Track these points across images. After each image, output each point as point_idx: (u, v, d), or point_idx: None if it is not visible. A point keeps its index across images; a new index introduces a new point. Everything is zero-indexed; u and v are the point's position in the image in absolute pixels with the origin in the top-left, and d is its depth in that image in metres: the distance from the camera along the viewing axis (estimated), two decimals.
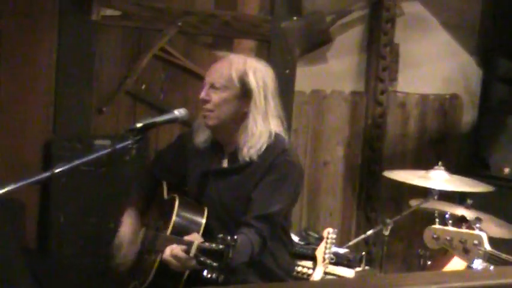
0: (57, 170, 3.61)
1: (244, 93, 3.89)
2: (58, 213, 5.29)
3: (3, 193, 3.44)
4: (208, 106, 3.91)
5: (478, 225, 3.83)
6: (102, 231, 5.24)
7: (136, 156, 4.22)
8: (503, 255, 3.63)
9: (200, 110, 4.02)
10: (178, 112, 3.91)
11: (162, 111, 4.95)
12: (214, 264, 3.43)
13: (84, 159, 3.66)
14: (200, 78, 5.39)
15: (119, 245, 4.13)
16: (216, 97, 3.91)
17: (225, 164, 4.01)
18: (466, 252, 3.68)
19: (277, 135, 3.93)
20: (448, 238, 3.74)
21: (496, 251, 3.63)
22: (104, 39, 5.48)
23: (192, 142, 4.09)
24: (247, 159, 3.86)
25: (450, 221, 3.89)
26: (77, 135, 5.37)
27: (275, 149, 3.90)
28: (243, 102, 3.90)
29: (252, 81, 3.89)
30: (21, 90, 5.28)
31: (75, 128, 5.42)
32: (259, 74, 3.94)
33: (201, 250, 3.49)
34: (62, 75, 5.36)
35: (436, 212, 4.38)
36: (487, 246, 3.61)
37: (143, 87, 5.61)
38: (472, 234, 3.66)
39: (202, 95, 3.95)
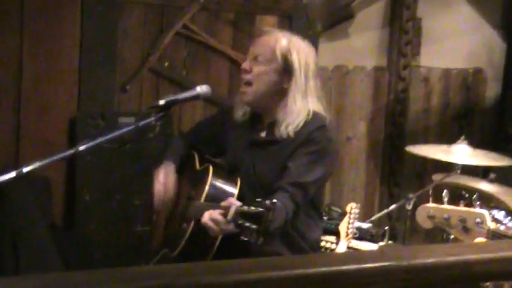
0: (81, 148, 3.69)
1: (286, 70, 3.95)
2: (83, 190, 5.33)
3: (30, 170, 3.55)
4: (248, 77, 3.97)
5: (478, 202, 3.81)
6: (127, 208, 5.34)
7: (159, 132, 4.26)
8: (510, 232, 3.55)
9: (239, 86, 4.08)
10: (201, 89, 3.94)
11: (185, 88, 4.99)
12: (253, 226, 3.49)
13: (108, 137, 3.70)
14: (223, 54, 5.65)
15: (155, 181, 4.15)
16: (257, 69, 3.97)
17: (263, 134, 4.07)
18: (466, 232, 3.56)
19: (315, 113, 3.98)
20: (445, 217, 3.61)
21: (500, 229, 3.54)
22: (127, 16, 5.49)
23: (232, 115, 4.15)
24: (284, 135, 3.92)
25: (478, 202, 3.91)
26: (100, 113, 5.39)
27: (313, 124, 3.94)
28: (283, 78, 3.95)
29: (295, 59, 3.94)
30: (46, 68, 5.29)
31: (99, 105, 5.46)
32: (302, 53, 4.00)
33: (239, 213, 3.54)
34: (85, 54, 5.37)
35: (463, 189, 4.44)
36: (490, 225, 3.51)
37: (166, 64, 5.64)
38: (473, 212, 3.55)
39: (244, 65, 4.02)
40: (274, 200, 3.52)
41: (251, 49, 4.08)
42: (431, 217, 3.68)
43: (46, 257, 4.89)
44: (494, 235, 3.52)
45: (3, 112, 5.21)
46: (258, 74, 3.97)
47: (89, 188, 5.36)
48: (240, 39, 5.70)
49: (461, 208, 3.61)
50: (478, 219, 3.51)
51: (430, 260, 1.61)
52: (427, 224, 3.74)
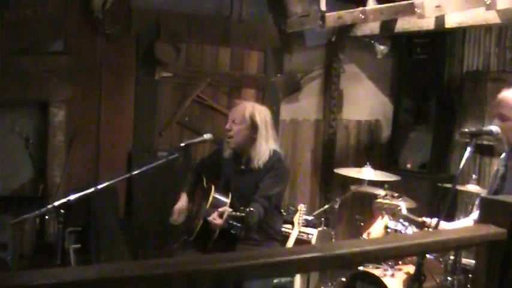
0: (134, 172, 3.88)
1: (253, 126, 4.00)
2: (137, 196, 5.32)
3: (106, 185, 3.70)
4: (230, 133, 4.03)
5: (400, 199, 4.10)
6: (164, 205, 5.20)
7: (182, 162, 4.32)
8: (412, 216, 3.77)
9: (225, 137, 4.11)
10: (206, 136, 4.10)
11: (198, 134, 5.05)
12: (239, 225, 3.68)
13: (150, 165, 3.84)
14: (222, 114, 5.53)
15: (175, 211, 4.16)
16: (235, 128, 4.02)
17: (243, 166, 4.08)
18: (394, 215, 3.91)
19: (274, 151, 4.04)
20: (385, 206, 4.00)
21: (409, 215, 3.80)
22: (162, 89, 5.48)
23: (221, 154, 4.19)
24: (256, 167, 3.98)
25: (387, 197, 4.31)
26: (146, 148, 5.40)
27: (273, 158, 4.00)
28: (252, 131, 4.00)
29: (258, 119, 4.01)
30: (114, 119, 5.30)
31: (146, 144, 5.42)
32: (262, 114, 4.06)
33: (230, 216, 3.70)
34: (138, 111, 5.39)
35: (370, 195, 4.60)
36: (404, 212, 3.81)
37: (186, 119, 5.61)
38: (396, 204, 3.89)
39: (227, 126, 4.07)
40: (252, 208, 3.67)
41: (230, 115, 4.13)
42: (379, 207, 4.12)
43: (116, 239, 4.96)
44: (406, 218, 3.89)
45: (90, 147, 5.19)
46: (236, 131, 4.02)
47: (140, 192, 5.34)
48: (233, 102, 5.53)
49: (392, 201, 4.09)
50: (399, 208, 3.86)
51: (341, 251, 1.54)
52: (377, 210, 4.21)
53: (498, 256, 1.62)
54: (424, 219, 3.60)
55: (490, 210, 1.62)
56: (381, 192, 4.89)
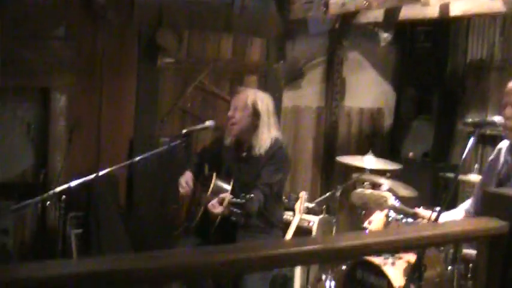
0: (135, 159, 3.86)
1: (255, 113, 4.00)
2: (138, 185, 5.31)
3: (107, 172, 3.69)
4: (233, 120, 4.03)
5: (384, 189, 4.00)
6: (165, 194, 5.25)
7: (184, 150, 4.34)
8: (401, 207, 3.69)
9: (227, 124, 4.10)
10: (208, 123, 4.10)
11: (200, 120, 4.99)
12: (239, 211, 3.67)
13: (152, 152, 3.85)
14: (224, 100, 5.52)
15: (181, 181, 4.11)
16: (237, 115, 4.03)
17: (244, 154, 4.09)
18: (378, 206, 3.82)
19: (276, 139, 4.04)
20: (366, 197, 3.86)
21: (396, 205, 3.70)
22: (164, 76, 5.46)
23: (223, 141, 4.19)
24: (257, 154, 3.99)
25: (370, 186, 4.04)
26: (148, 135, 5.38)
27: (275, 146, 4.01)
28: (254, 119, 4.01)
29: (260, 106, 4.01)
30: (115, 106, 5.29)
31: (147, 131, 5.42)
32: (264, 101, 4.07)
33: (230, 203, 3.70)
34: (139, 99, 5.36)
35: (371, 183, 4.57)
36: (393, 202, 3.70)
37: (189, 105, 5.60)
38: (381, 195, 3.80)
39: (229, 113, 4.07)
40: (252, 195, 3.66)
41: (232, 102, 4.11)
42: (359, 198, 3.91)
43: (116, 228, 4.95)
44: (393, 208, 3.74)
45: (91, 134, 5.17)
46: (238, 118, 4.02)
47: (142, 185, 5.33)
48: (235, 89, 5.46)
49: (375, 192, 3.85)
50: (384, 199, 3.71)
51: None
52: (357, 202, 3.97)
53: (499, 252, 1.61)
54: (417, 210, 3.56)
55: (491, 204, 1.61)
56: (383, 180, 4.88)
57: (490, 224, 1.60)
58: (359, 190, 3.99)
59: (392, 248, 1.85)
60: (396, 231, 2.13)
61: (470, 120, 3.14)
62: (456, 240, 1.95)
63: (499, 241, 1.61)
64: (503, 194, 1.67)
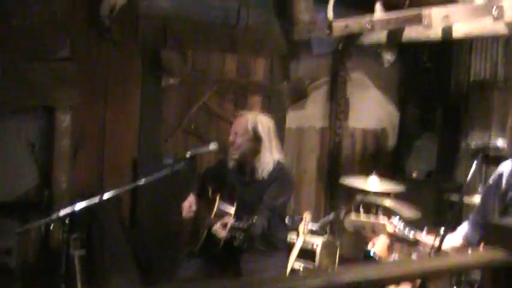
0: (140, 183, 3.86)
1: (256, 137, 3.99)
2: (142, 203, 5.28)
3: (113, 194, 3.70)
4: (234, 146, 4.02)
5: (382, 214, 3.82)
6: (168, 213, 5.20)
7: (187, 171, 4.35)
8: (402, 234, 3.44)
9: (229, 149, 4.09)
10: (212, 146, 4.08)
11: (203, 141, 5.04)
12: (241, 236, 3.67)
13: (156, 176, 3.84)
14: (228, 121, 5.41)
15: (185, 205, 4.12)
16: (238, 140, 4.01)
17: (247, 177, 4.09)
18: (374, 233, 3.53)
19: (278, 161, 4.03)
20: (361, 224, 3.55)
21: (398, 232, 3.44)
22: (168, 96, 5.45)
23: (226, 164, 4.18)
24: (260, 177, 3.98)
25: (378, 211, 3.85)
26: (152, 155, 5.36)
27: (277, 169, 4.00)
28: (255, 143, 4.00)
29: (261, 130, 4.00)
30: (119, 125, 5.26)
31: (151, 150, 5.39)
32: (265, 124, 4.05)
33: (233, 227, 3.70)
34: (143, 117, 5.34)
35: (374, 205, 4.50)
36: (389, 229, 3.45)
37: (192, 126, 5.58)
38: (379, 222, 3.49)
39: (230, 139, 4.05)
40: (254, 220, 3.66)
41: (232, 127, 4.10)
42: (353, 224, 3.57)
43: (120, 246, 4.96)
44: (392, 236, 3.52)
45: (95, 154, 5.15)
46: (239, 144, 4.00)
47: (145, 201, 5.29)
48: (237, 111, 5.39)
49: (371, 220, 3.53)
50: (380, 227, 3.50)
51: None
52: (351, 229, 3.68)
53: (504, 283, 1.58)
54: (418, 237, 3.44)
55: (495, 234, 1.60)
56: (387, 201, 4.87)
57: (493, 255, 1.59)
58: (353, 216, 3.62)
59: (395, 281, 1.82)
60: (399, 264, 2.08)
61: (473, 145, 3.12)
62: (460, 272, 1.92)
63: (503, 272, 1.60)
64: (508, 225, 1.67)
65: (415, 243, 3.46)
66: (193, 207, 4.11)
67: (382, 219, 3.50)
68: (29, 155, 4.86)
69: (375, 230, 3.52)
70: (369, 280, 1.41)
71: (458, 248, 3.29)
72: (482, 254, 1.68)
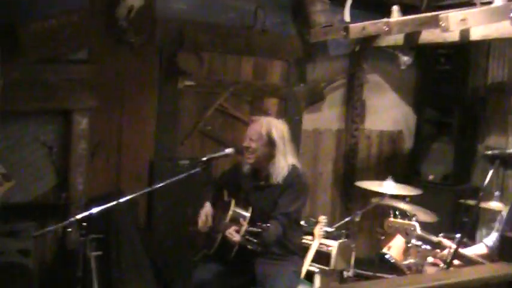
0: (155, 186, 3.87)
1: (271, 142, 4.00)
2: (157, 205, 5.30)
3: (130, 198, 3.72)
4: (249, 150, 4.04)
5: (414, 218, 3.98)
6: (183, 216, 5.22)
7: (203, 175, 4.34)
8: (428, 236, 3.67)
9: (244, 154, 4.10)
10: (228, 151, 4.06)
11: (220, 144, 5.12)
12: (255, 240, 3.69)
13: (172, 180, 3.79)
14: (244, 122, 5.49)
15: (201, 216, 4.12)
16: (253, 145, 4.03)
17: (262, 182, 4.10)
18: (407, 234, 3.75)
19: (293, 166, 4.03)
20: (396, 226, 3.80)
21: (423, 234, 3.67)
22: (184, 99, 5.47)
23: (241, 168, 4.20)
24: (275, 182, 3.98)
25: (398, 215, 4.00)
26: (168, 158, 5.37)
27: (292, 174, 4.00)
28: (270, 148, 4.00)
29: (275, 135, 4.00)
30: (136, 128, 5.27)
31: (167, 153, 5.40)
32: (279, 129, 4.05)
33: (247, 232, 3.73)
34: (160, 120, 5.36)
35: (390, 208, 4.53)
36: (418, 231, 3.67)
37: (209, 128, 5.59)
38: (410, 224, 3.74)
39: (245, 144, 4.06)
40: (269, 225, 3.68)
41: (247, 132, 4.11)
42: (390, 226, 3.84)
43: (136, 248, 4.97)
44: (419, 237, 3.72)
45: (112, 156, 5.18)
46: (253, 149, 4.01)
47: (161, 204, 5.30)
48: (254, 113, 5.40)
49: (405, 221, 3.80)
50: (412, 228, 3.69)
51: None
52: (388, 229, 3.91)
53: None
54: (442, 239, 3.53)
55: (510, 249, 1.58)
56: (402, 205, 4.84)
57: (508, 269, 1.57)
58: (391, 219, 3.95)
59: None
60: (413, 280, 2.08)
61: (490, 152, 3.11)
62: (475, 286, 1.90)
63: None
64: None
65: (437, 245, 3.55)
66: (209, 219, 4.11)
67: (413, 222, 3.73)
68: (47, 158, 4.87)
69: (407, 232, 3.71)
70: None
71: (482, 255, 3.31)
72: (495, 268, 1.66)
